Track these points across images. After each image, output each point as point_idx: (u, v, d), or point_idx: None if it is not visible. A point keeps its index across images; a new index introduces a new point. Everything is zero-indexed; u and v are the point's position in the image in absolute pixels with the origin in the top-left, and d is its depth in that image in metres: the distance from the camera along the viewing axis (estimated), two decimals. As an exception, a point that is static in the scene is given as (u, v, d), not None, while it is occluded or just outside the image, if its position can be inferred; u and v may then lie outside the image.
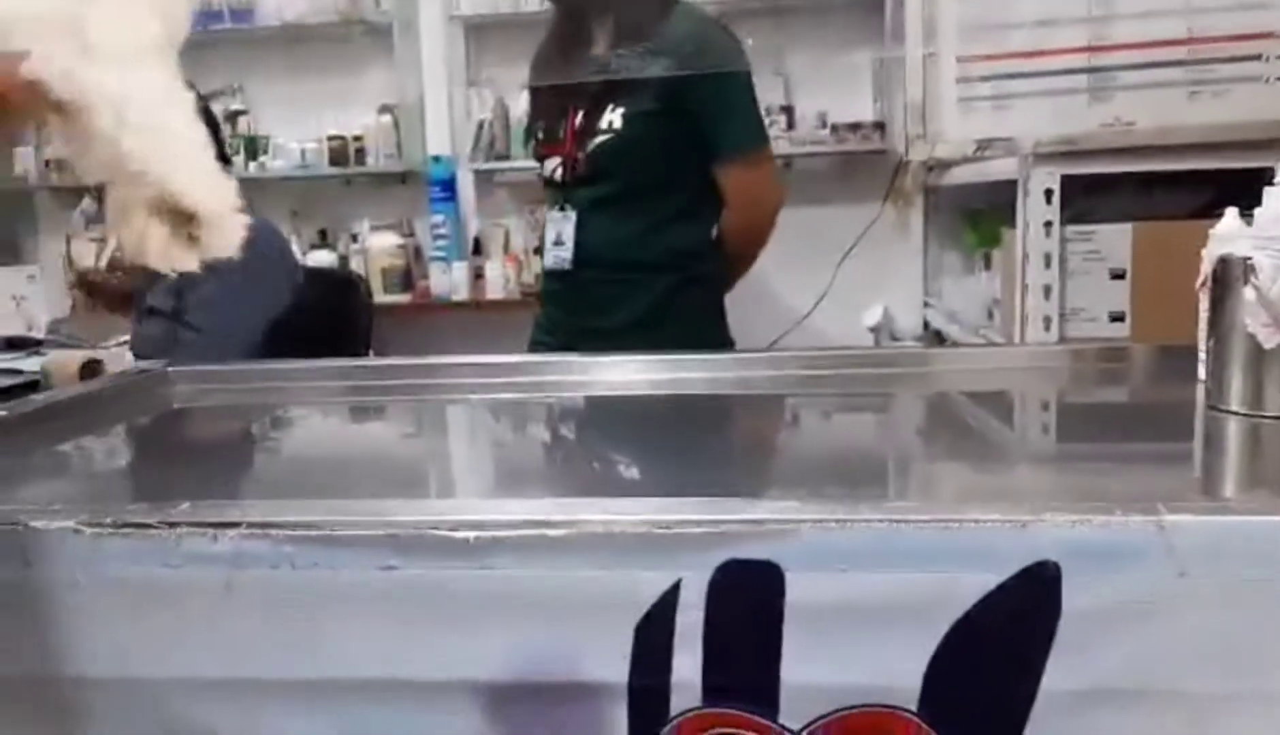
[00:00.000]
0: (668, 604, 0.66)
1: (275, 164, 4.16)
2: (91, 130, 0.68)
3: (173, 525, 0.69)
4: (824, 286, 3.66)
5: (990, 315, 2.54)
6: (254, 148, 4.24)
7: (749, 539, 0.65)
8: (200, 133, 0.71)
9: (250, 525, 0.68)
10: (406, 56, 4.13)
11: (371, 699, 0.70)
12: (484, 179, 4.25)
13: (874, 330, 3.58)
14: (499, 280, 4.08)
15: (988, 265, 2.73)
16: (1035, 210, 1.89)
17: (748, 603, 0.65)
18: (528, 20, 3.99)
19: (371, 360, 1.42)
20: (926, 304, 3.58)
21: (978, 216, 3.04)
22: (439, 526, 0.67)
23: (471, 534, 0.66)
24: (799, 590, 0.65)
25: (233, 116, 4.27)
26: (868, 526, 0.64)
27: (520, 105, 4.04)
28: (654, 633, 0.66)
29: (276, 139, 4.26)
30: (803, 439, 1.24)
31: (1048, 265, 1.91)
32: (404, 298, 4.17)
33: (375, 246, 4.16)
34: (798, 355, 1.43)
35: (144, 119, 0.68)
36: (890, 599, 0.65)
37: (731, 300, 3.78)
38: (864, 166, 3.71)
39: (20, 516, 0.70)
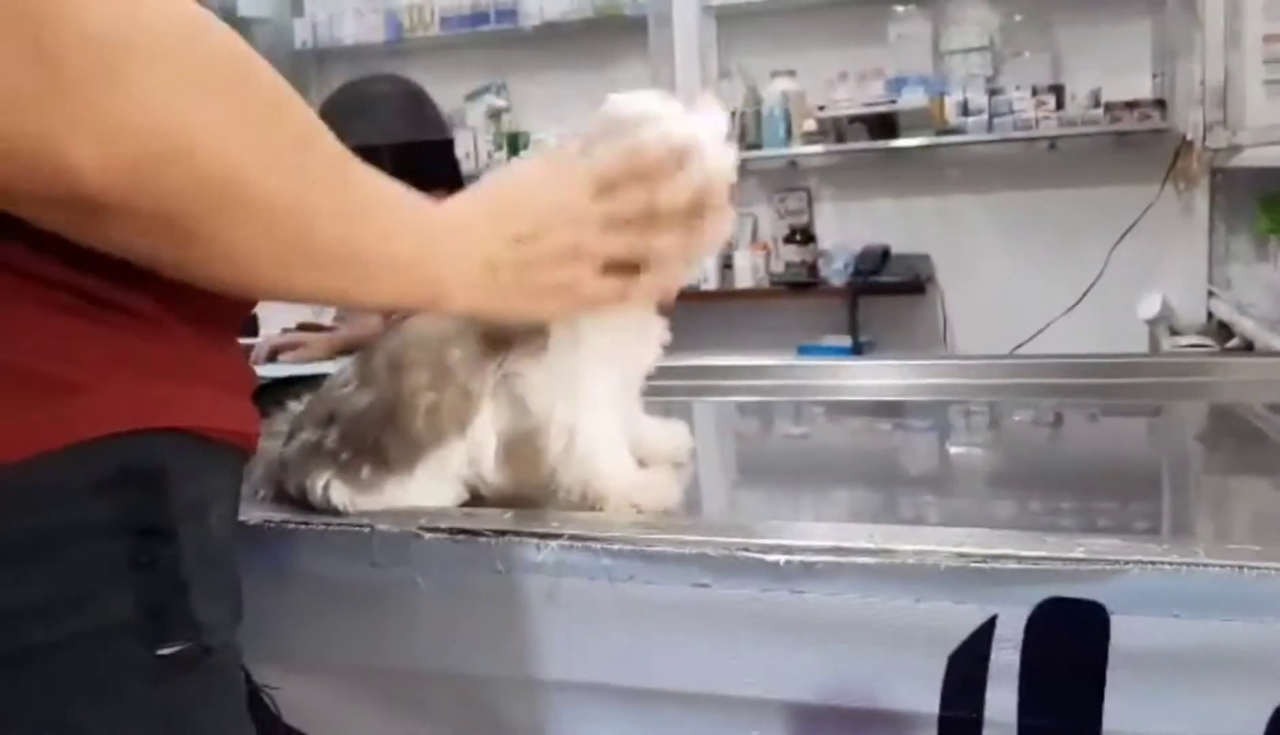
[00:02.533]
0: (982, 638, 0.65)
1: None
2: (536, 443, 0.79)
3: (501, 534, 0.74)
4: (1093, 275, 3.45)
5: (1292, 310, 2.32)
6: (515, 143, 4.44)
7: (1072, 577, 0.63)
8: (622, 466, 0.81)
9: (571, 537, 0.73)
10: (660, 49, 4.20)
11: (680, 709, 0.73)
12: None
13: (1151, 322, 3.34)
14: (747, 269, 4.09)
15: (1288, 254, 2.50)
16: (1356, 199, 1.71)
17: (1069, 643, 0.64)
18: (779, 8, 3.98)
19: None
20: (1211, 293, 3.30)
21: (1275, 200, 2.79)
22: (750, 549, 0.69)
23: (782, 557, 0.68)
24: (1125, 634, 0.62)
25: (495, 113, 4.49)
26: (1205, 571, 0.61)
27: (774, 93, 4.04)
28: (967, 666, 0.65)
29: (536, 134, 4.44)
30: (1087, 459, 1.18)
31: (1369, 260, 1.73)
32: (655, 286, 4.25)
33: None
34: (1076, 363, 1.35)
35: (587, 459, 0.78)
36: (1228, 648, 0.61)
37: (987, 289, 3.64)
38: (1141, 146, 3.46)
39: (368, 520, 0.77)
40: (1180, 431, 1.25)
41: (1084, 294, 3.46)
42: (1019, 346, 3.27)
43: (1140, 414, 1.30)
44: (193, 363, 0.56)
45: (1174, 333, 3.19)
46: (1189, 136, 3.24)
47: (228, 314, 0.60)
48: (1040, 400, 1.28)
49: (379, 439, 0.80)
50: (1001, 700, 0.65)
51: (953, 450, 1.18)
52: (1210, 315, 3.25)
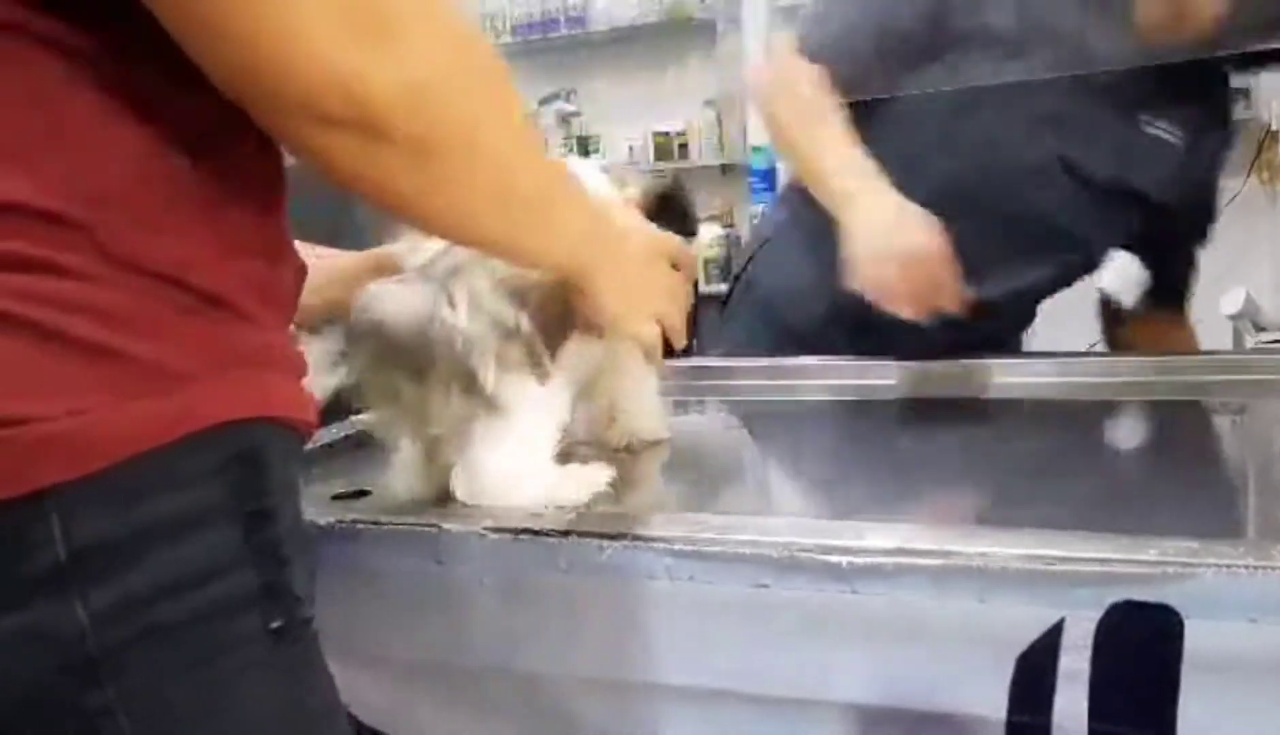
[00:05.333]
0: (1050, 642, 0.64)
1: (605, 162, 4.37)
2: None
3: (564, 534, 0.75)
4: (1175, 270, 3.36)
5: (1387, 305, 2.23)
6: (585, 147, 4.47)
7: (1143, 580, 0.61)
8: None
9: (634, 537, 0.73)
10: (729, 50, 4.19)
11: (742, 709, 0.73)
12: (803, 167, 4.25)
13: (1234, 318, 3.22)
14: (817, 268, 4.06)
15: (1382, 246, 2.40)
16: None
17: (1140, 647, 0.62)
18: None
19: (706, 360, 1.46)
20: (1300, 289, 3.19)
21: (1368, 191, 2.68)
22: (811, 550, 0.68)
23: (844, 559, 0.67)
24: (1200, 639, 0.61)
25: (565, 118, 4.52)
26: (1283, 575, 0.59)
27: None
28: (1035, 670, 0.64)
29: (606, 138, 4.47)
30: (1167, 458, 1.14)
31: None
32: (724, 287, 4.25)
33: (698, 238, 4.25)
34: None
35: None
36: (1310, 655, 0.59)
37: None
38: (1224, 137, 3.36)
39: (435, 520, 0.79)
40: (1265, 431, 1.20)
41: (1164, 290, 3.36)
42: (1095, 343, 3.19)
43: (1224, 413, 1.26)
44: (273, 353, 0.61)
45: (1259, 329, 3.08)
46: (1274, 126, 3.14)
47: (293, 306, 0.65)
48: (1118, 398, 1.25)
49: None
50: (1071, 705, 0.64)
51: (1025, 449, 1.16)
52: (1299, 311, 3.14)
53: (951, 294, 1.21)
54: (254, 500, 0.57)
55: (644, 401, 1.04)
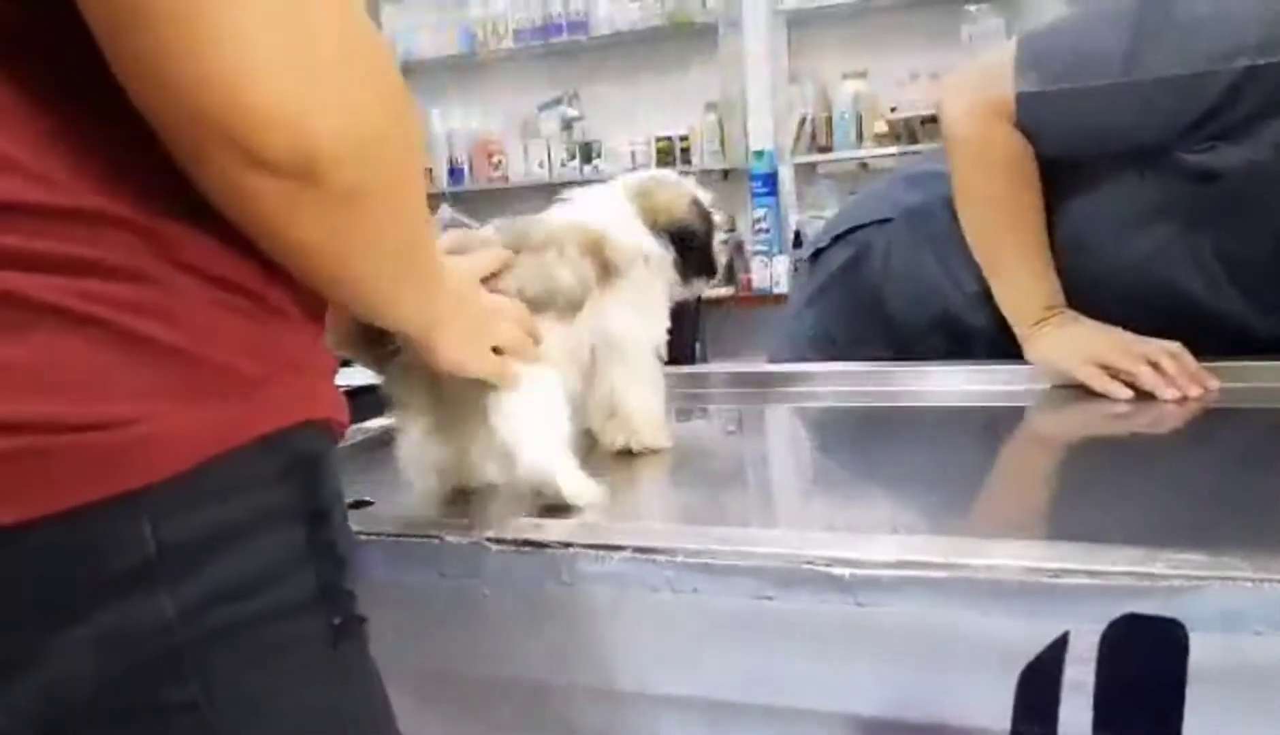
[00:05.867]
0: (1054, 655, 0.63)
1: (606, 167, 4.38)
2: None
3: (566, 545, 0.75)
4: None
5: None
6: (587, 152, 4.48)
7: (1148, 594, 0.61)
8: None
9: (635, 549, 0.73)
10: (730, 54, 4.20)
11: (743, 721, 0.73)
12: (805, 171, 4.26)
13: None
14: (821, 273, 4.06)
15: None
16: None
17: (1145, 661, 0.62)
18: (849, 10, 3.95)
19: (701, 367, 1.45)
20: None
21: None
22: (815, 561, 0.68)
23: (847, 571, 0.67)
24: (1205, 652, 0.60)
25: (568, 123, 4.53)
26: (1289, 588, 0.59)
27: (845, 95, 4.00)
28: (1039, 683, 0.64)
29: (608, 143, 4.47)
30: (1186, 467, 1.13)
31: None
32: (727, 291, 4.25)
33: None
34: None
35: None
36: (1314, 668, 0.59)
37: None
38: None
39: (437, 531, 0.78)
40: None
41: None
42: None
43: (1245, 415, 1.24)
44: (317, 357, 0.63)
45: None
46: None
47: (324, 308, 0.65)
48: (1132, 405, 1.23)
49: None
50: (1076, 719, 0.64)
51: (1034, 458, 1.15)
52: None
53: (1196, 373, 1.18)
54: (314, 501, 0.59)
55: (643, 405, 1.04)
